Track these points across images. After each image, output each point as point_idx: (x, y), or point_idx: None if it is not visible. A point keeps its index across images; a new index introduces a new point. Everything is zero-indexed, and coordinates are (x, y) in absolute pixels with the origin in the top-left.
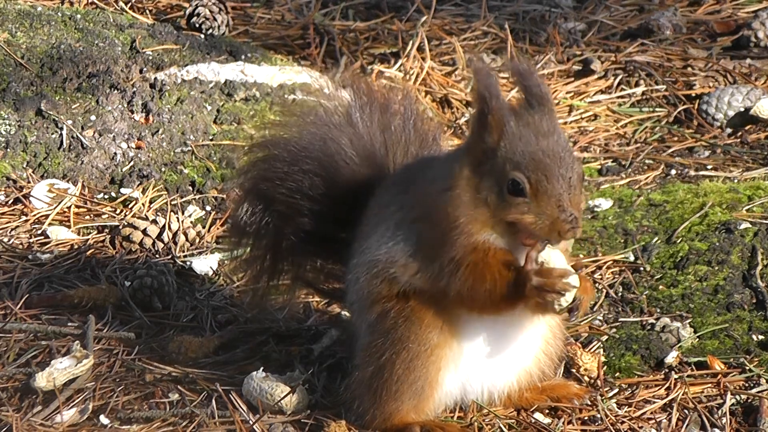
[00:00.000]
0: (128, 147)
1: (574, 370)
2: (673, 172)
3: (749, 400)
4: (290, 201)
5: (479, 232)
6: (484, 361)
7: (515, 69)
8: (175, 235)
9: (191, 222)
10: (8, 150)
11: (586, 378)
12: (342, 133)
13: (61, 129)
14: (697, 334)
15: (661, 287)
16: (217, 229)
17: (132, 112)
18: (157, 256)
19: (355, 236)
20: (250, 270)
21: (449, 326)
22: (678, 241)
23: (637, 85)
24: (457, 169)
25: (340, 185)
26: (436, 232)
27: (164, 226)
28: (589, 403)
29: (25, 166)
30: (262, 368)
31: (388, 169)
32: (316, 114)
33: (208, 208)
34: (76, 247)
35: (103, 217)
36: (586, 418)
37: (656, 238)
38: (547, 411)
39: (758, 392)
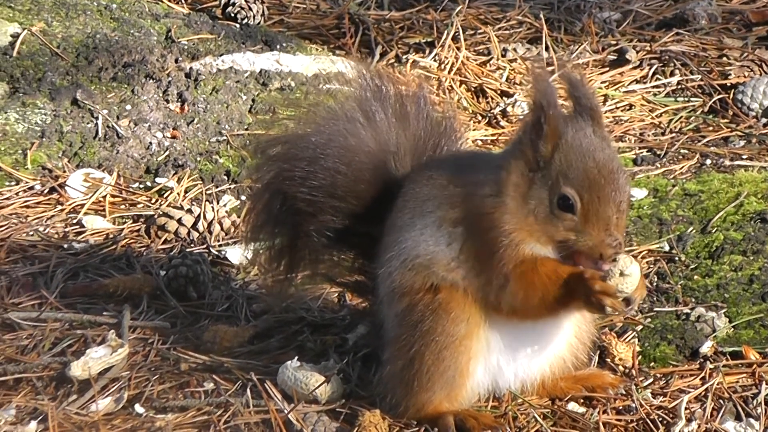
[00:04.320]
0: (163, 136)
1: (608, 360)
2: (708, 161)
3: None
4: (312, 199)
5: (524, 241)
6: (515, 350)
7: (566, 78)
8: (210, 224)
9: (226, 211)
10: (44, 139)
11: (620, 368)
12: (361, 127)
13: (97, 118)
14: (732, 324)
15: (696, 277)
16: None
17: (167, 101)
18: (192, 245)
19: (385, 230)
20: (266, 266)
21: (477, 318)
22: (713, 231)
23: (672, 74)
24: (505, 174)
25: (363, 180)
26: (482, 241)
27: (199, 215)
28: (624, 392)
29: (60, 155)
30: (296, 357)
31: (411, 161)
32: (332, 108)
33: (243, 197)
34: (111, 236)
35: (139, 206)
36: (620, 407)
37: (691, 228)
38: (581, 400)
39: None
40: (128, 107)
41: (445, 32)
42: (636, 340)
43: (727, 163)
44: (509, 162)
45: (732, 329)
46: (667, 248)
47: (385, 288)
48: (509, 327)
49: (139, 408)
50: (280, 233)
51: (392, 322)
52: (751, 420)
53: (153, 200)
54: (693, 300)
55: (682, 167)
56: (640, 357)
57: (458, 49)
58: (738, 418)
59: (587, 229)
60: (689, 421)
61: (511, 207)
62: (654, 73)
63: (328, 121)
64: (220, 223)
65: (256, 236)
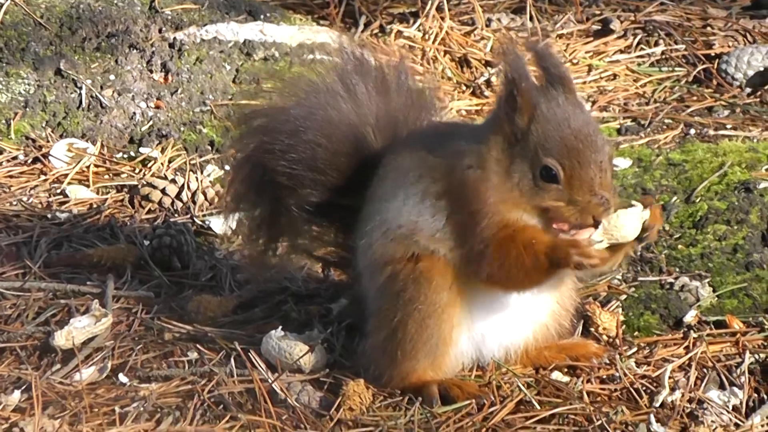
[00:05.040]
0: (147, 106)
1: (592, 330)
2: (693, 131)
3: None
4: (292, 173)
5: (509, 212)
6: (498, 318)
7: (533, 49)
8: (194, 194)
9: (210, 181)
10: (27, 109)
11: (604, 337)
12: (341, 100)
13: (80, 88)
14: (716, 294)
15: (680, 246)
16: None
17: (151, 71)
18: (176, 215)
19: (365, 201)
20: (247, 237)
21: (458, 286)
22: (697, 201)
23: (656, 44)
24: (485, 149)
25: (343, 153)
26: (466, 211)
27: (183, 185)
28: (608, 361)
29: (44, 125)
30: (280, 327)
31: (392, 134)
32: (313, 81)
33: (227, 167)
34: (95, 206)
35: (122, 176)
36: (604, 376)
37: (675, 198)
38: (565, 370)
39: None
40: (112, 77)
41: (429, 2)
42: (620, 309)
43: (711, 132)
44: (488, 137)
45: (716, 298)
46: None
47: (366, 259)
48: (492, 294)
49: (123, 377)
50: (260, 207)
51: (374, 293)
52: (735, 389)
53: (137, 170)
54: (677, 269)
55: (667, 137)
56: (623, 326)
57: (442, 19)
58: (722, 387)
59: (573, 195)
60: (673, 390)
61: (495, 182)
62: (638, 43)
63: (309, 94)
64: (204, 193)
65: (236, 209)
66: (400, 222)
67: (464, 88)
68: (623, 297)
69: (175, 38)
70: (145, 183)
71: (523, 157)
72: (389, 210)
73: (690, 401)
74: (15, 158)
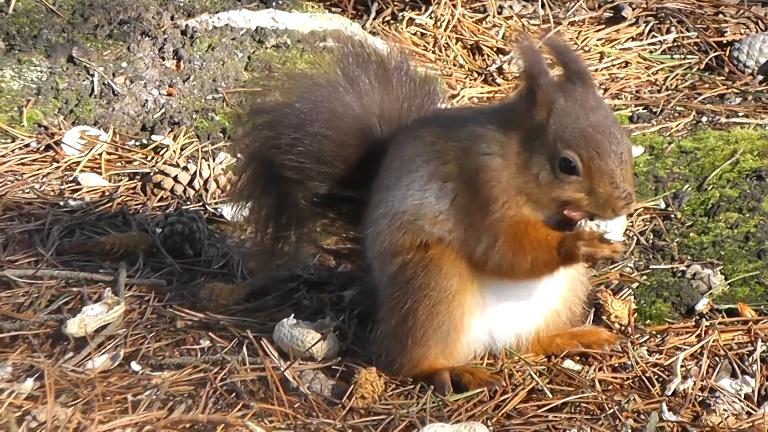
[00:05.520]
0: (159, 94)
1: (604, 318)
2: (704, 119)
3: None
4: (299, 166)
5: (524, 206)
6: (509, 304)
7: (552, 45)
8: (206, 182)
9: (222, 169)
10: (40, 97)
11: (616, 325)
12: (345, 92)
13: (93, 76)
14: (728, 282)
15: (692, 234)
16: None
17: (163, 59)
18: (188, 202)
19: (372, 191)
20: (255, 230)
21: (469, 273)
22: (709, 188)
23: (668, 32)
24: (506, 140)
25: (349, 145)
26: (476, 198)
27: (195, 173)
28: (620, 350)
29: (56, 112)
30: (292, 315)
31: (396, 123)
32: (315, 75)
33: (240, 155)
34: (107, 193)
35: (135, 163)
36: (617, 365)
37: (687, 185)
38: (577, 358)
39: None
40: (124, 64)
41: None
42: (632, 297)
43: (723, 120)
44: (508, 130)
45: (728, 286)
46: (663, 205)
47: (375, 250)
48: (503, 281)
49: (135, 365)
50: (266, 202)
51: (385, 282)
52: (747, 377)
53: (149, 158)
54: (689, 257)
55: (678, 124)
56: (635, 314)
57: (454, 6)
58: (734, 376)
59: (594, 186)
60: (685, 378)
61: (513, 174)
62: (650, 31)
63: (312, 87)
64: (216, 181)
65: (244, 204)
66: (404, 208)
67: (476, 75)
68: (635, 285)
69: (187, 25)
70: (157, 170)
71: (542, 151)
72: (395, 197)
73: (702, 390)
74: (27, 146)
